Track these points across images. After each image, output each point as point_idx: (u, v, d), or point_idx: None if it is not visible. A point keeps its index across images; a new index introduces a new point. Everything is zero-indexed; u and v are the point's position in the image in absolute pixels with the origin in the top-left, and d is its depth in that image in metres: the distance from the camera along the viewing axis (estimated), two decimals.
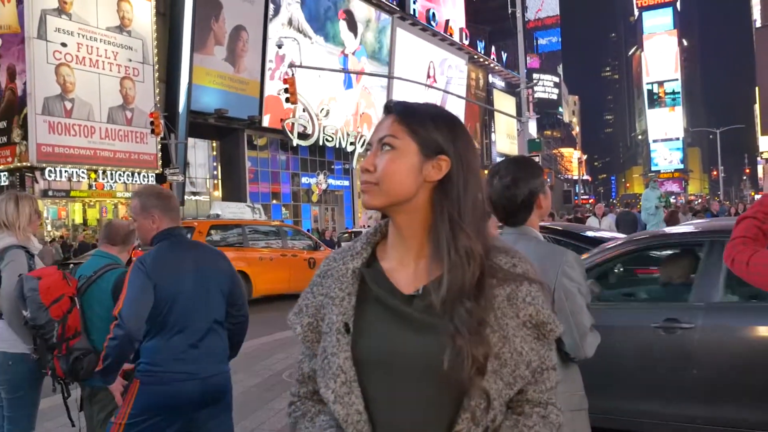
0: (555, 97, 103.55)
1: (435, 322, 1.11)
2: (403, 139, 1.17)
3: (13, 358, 3.27)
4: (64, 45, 24.70)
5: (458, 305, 1.10)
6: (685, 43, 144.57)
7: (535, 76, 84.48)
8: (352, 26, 38.66)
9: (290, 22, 33.71)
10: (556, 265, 2.03)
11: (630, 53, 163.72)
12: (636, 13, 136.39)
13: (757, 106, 71.68)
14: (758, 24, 73.37)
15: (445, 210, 1.15)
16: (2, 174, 24.61)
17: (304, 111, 33.56)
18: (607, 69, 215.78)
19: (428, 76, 45.85)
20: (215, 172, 33.00)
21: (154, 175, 27.75)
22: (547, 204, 2.23)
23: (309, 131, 34.62)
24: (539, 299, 1.14)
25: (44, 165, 23.91)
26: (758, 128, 71.12)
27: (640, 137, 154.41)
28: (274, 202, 34.49)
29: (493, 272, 1.13)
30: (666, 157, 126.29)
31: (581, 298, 2.03)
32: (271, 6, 32.22)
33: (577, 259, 2.08)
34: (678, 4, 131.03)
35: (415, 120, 1.19)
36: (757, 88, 68.36)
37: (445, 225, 1.14)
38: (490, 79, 58.96)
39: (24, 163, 23.87)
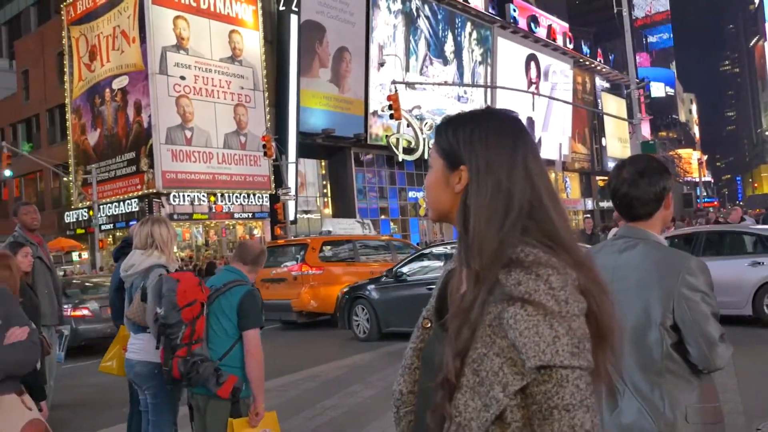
0: (671, 93, 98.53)
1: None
2: (434, 156, 1.25)
3: (159, 367, 3.50)
4: (182, 78, 26.40)
5: (454, 320, 1.14)
6: None
7: (646, 75, 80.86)
8: (456, 41, 38.73)
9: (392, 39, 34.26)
10: (676, 273, 1.92)
11: (751, 44, 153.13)
12: (756, 0, 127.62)
13: None
14: None
15: (460, 221, 1.19)
16: (133, 200, 26.53)
17: (408, 126, 33.94)
18: (726, 63, 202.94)
19: (531, 83, 45.08)
20: (325, 190, 33.94)
21: (267, 195, 28.94)
22: (671, 209, 2.13)
23: (414, 146, 34.94)
24: (522, 324, 1.06)
25: (169, 190, 25.56)
26: None
27: (767, 133, 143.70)
28: (383, 217, 34.97)
29: (493, 288, 1.11)
30: None
31: (706, 307, 1.91)
32: (372, 26, 32.91)
33: (701, 266, 1.96)
34: None
35: (439, 134, 1.24)
36: None
37: (461, 236, 1.18)
38: (597, 81, 57.06)
39: (151, 190, 25.63)
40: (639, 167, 2.09)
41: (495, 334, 1.09)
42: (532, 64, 46.45)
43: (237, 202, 28.09)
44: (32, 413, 2.43)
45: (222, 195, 27.50)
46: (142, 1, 25.97)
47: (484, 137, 1.19)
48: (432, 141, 1.30)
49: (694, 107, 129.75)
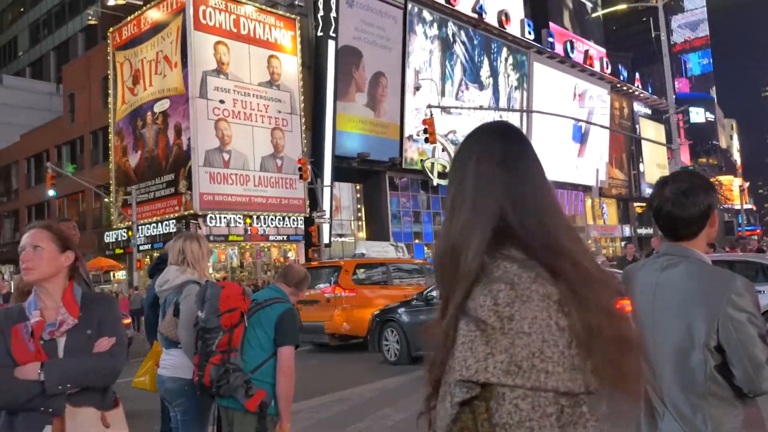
0: (711, 119, 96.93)
1: None
2: None
3: (189, 384, 3.52)
4: (222, 102, 26.93)
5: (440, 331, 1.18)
6: None
7: (685, 100, 79.75)
8: (492, 66, 38.84)
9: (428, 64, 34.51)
10: (721, 293, 1.87)
11: None
12: None
13: None
14: None
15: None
16: (171, 221, 26.99)
17: (443, 151, 33.97)
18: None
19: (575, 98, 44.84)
20: (359, 214, 34.06)
21: (302, 218, 29.17)
22: (717, 226, 2.07)
23: (448, 170, 34.88)
24: (460, 339, 1.08)
25: (206, 212, 25.95)
26: None
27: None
28: (417, 241, 34.91)
29: (461, 303, 1.14)
30: None
31: (753, 328, 1.85)
32: (409, 51, 33.21)
33: (747, 286, 1.90)
34: None
35: None
36: None
37: None
38: (635, 107, 56.46)
39: (189, 211, 26.06)
40: (682, 185, 2.01)
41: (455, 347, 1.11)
42: (576, 91, 46.18)
43: (272, 224, 28.36)
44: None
45: (258, 217, 27.79)
46: (184, 26, 26.68)
47: (457, 152, 1.26)
48: None
49: (735, 133, 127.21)
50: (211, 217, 26.21)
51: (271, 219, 28.29)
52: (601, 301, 1.10)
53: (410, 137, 32.83)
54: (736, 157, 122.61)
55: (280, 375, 3.25)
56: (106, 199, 31.35)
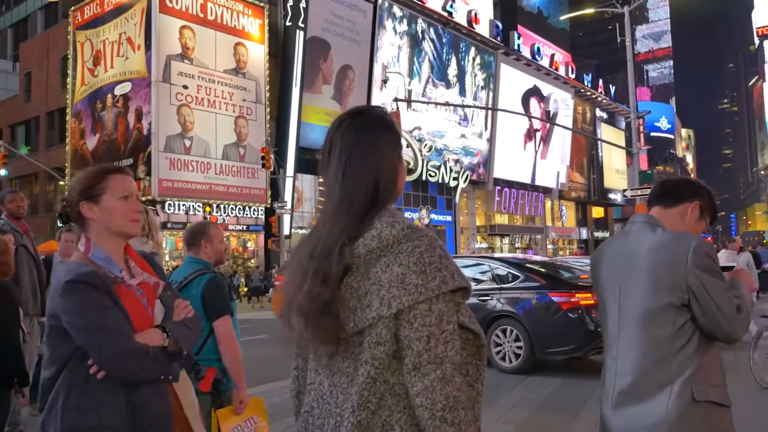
0: (669, 134, 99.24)
1: None
2: None
3: None
4: (185, 87, 26.45)
5: None
6: None
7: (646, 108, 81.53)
8: (460, 65, 39.01)
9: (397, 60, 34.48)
10: (684, 254, 1.99)
11: (750, 84, 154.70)
12: (756, 41, 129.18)
13: None
14: None
15: None
16: None
17: (408, 147, 33.99)
18: (725, 101, 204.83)
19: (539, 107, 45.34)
20: (320, 206, 33.77)
21: (263, 208, 28.87)
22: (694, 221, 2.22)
23: (413, 166, 34.98)
24: None
25: (165, 199, 25.47)
26: None
27: (762, 172, 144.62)
28: None
29: None
30: None
31: (719, 283, 1.98)
32: (378, 45, 33.13)
33: (702, 242, 2.02)
34: None
35: None
36: None
37: None
38: (597, 112, 57.45)
39: (147, 197, 25.53)
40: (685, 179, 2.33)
41: None
42: (537, 96, 46.72)
43: (232, 213, 28.00)
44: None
45: (218, 206, 27.41)
46: (149, 9, 26.10)
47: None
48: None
49: (691, 143, 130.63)
50: (169, 204, 25.74)
51: (232, 208, 27.93)
52: None
53: None
54: (692, 166, 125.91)
55: (223, 348, 3.09)
56: (61, 182, 30.50)
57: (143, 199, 25.57)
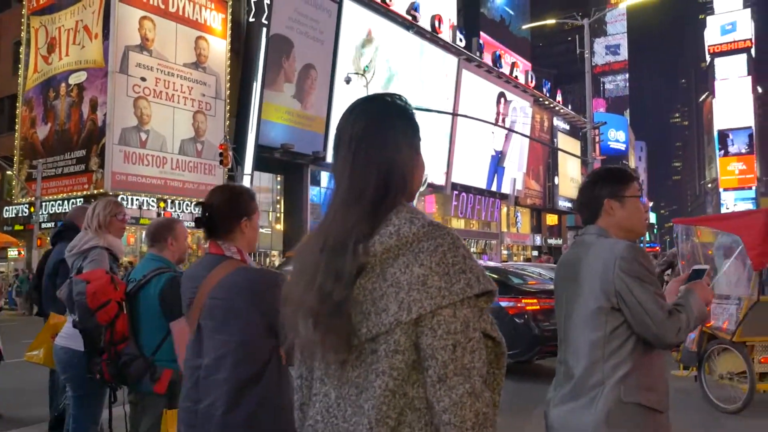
0: (623, 146, 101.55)
1: None
2: None
3: (79, 356, 3.25)
4: (143, 79, 25.91)
5: None
6: (759, 90, 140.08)
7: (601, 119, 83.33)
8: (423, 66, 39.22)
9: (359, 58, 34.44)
10: (612, 259, 2.06)
11: (701, 99, 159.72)
12: (708, 59, 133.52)
13: None
14: None
15: None
16: (79, 200, 25.74)
17: None
18: (677, 115, 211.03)
19: (498, 115, 45.96)
20: (278, 206, 33.61)
21: None
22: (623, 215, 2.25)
23: None
24: None
25: (118, 192, 24.90)
26: None
27: (710, 185, 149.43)
28: None
29: None
30: (736, 206, 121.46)
31: (647, 287, 2.02)
32: (341, 46, 33.04)
33: (630, 248, 2.07)
34: (753, 51, 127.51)
35: None
36: None
37: None
38: (555, 121, 58.50)
39: (99, 190, 24.92)
40: (589, 177, 2.45)
41: None
42: (502, 100, 47.42)
43: (187, 210, 27.53)
44: None
45: (172, 201, 26.92)
46: None
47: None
48: None
49: (644, 155, 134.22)
50: (122, 198, 25.14)
51: (187, 204, 27.47)
52: None
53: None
54: (644, 177, 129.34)
55: (180, 350, 2.98)
56: (9, 172, 29.52)
57: (95, 192, 24.97)
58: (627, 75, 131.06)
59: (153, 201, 26.19)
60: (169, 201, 26.76)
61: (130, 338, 3.05)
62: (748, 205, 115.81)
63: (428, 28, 39.95)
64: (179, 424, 2.19)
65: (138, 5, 26.00)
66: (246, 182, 28.03)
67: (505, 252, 50.30)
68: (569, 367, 2.13)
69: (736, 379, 6.61)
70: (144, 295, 3.06)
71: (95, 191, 25.10)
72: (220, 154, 24.74)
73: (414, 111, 1.38)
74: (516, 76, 49.65)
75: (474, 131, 39.82)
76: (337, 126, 1.36)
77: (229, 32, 29.11)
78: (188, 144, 27.60)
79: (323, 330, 1.22)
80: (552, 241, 58.09)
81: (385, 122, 1.32)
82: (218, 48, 28.82)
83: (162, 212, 26.47)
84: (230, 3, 29.26)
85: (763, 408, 6.71)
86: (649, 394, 2.02)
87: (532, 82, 52.33)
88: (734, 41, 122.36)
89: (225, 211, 2.26)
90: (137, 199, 25.62)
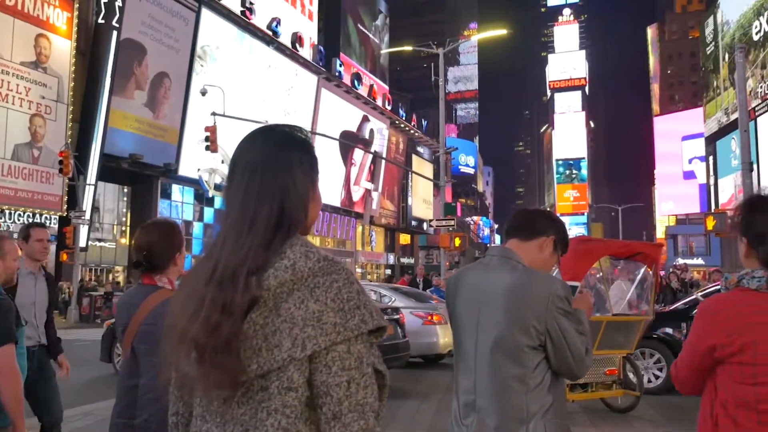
0: (472, 170, 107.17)
1: None
2: None
3: None
4: None
5: None
6: (592, 124, 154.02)
7: (453, 144, 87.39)
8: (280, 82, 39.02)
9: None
10: (546, 295, 2.07)
11: (542, 130, 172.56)
12: (549, 93, 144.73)
13: (654, 188, 76.69)
14: (656, 111, 79.36)
15: None
16: None
17: (223, 162, 33.13)
18: (521, 144, 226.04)
19: (358, 139, 46.65)
20: (124, 219, 31.80)
21: (57, 217, 26.44)
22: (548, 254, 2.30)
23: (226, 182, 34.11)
24: None
25: None
26: (655, 208, 75.86)
27: (549, 210, 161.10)
28: (187, 253, 33.39)
29: None
30: (571, 230, 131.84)
31: (573, 325, 2.08)
32: (198, 57, 32.09)
33: (564, 286, 2.12)
34: (586, 88, 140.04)
35: None
36: (655, 171, 73.51)
37: None
38: (410, 145, 60.53)
39: None
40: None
41: None
42: (366, 125, 48.39)
43: (20, 220, 25.27)
44: None
45: (2, 211, 24.61)
46: None
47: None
48: None
49: (491, 179, 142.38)
50: None
51: (19, 215, 25.21)
52: None
53: (190, 145, 31.49)
54: (490, 200, 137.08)
55: (2, 381, 2.72)
56: None
57: None
58: (477, 104, 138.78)
59: None
60: None
61: None
62: (581, 230, 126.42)
63: (289, 44, 39.97)
64: None
65: None
66: (89, 193, 26.30)
67: (359, 270, 51.00)
68: (487, 400, 2.09)
69: None
70: None
71: None
72: (60, 162, 23.00)
73: (312, 145, 1.37)
74: (374, 98, 50.91)
75: (331, 150, 40.19)
76: (233, 154, 1.33)
77: (74, 32, 27.28)
78: (23, 149, 25.43)
79: (208, 365, 1.17)
80: (404, 260, 59.75)
81: (282, 152, 1.29)
82: (62, 48, 26.91)
83: None
84: (78, 1, 27.47)
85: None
86: (564, 422, 2.11)
87: (388, 105, 53.86)
88: (571, 78, 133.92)
89: (161, 249, 2.44)
90: None
